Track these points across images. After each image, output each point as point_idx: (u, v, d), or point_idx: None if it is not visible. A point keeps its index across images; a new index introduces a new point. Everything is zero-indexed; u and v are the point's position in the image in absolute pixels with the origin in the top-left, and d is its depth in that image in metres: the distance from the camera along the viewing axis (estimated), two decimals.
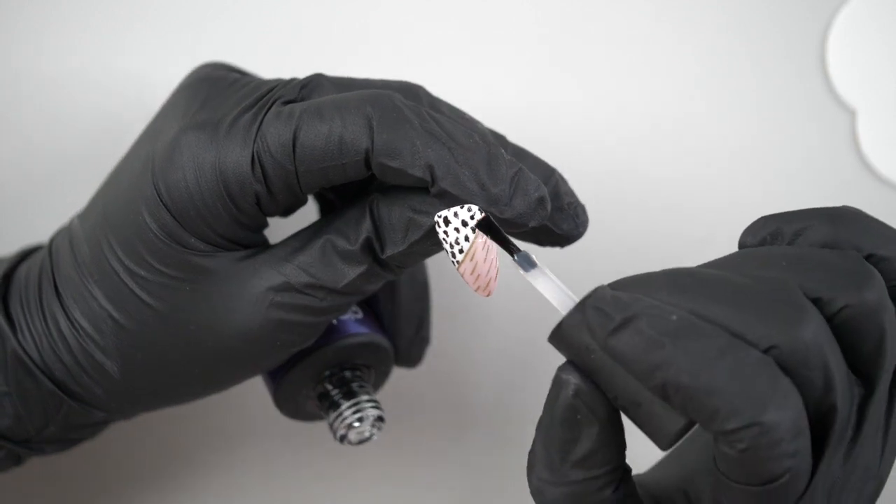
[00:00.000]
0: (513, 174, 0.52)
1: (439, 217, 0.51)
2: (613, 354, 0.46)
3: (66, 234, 0.58)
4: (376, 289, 0.56)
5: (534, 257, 0.50)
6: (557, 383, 0.48)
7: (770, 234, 0.50)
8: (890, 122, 0.73)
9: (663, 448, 0.47)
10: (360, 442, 0.61)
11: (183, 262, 0.54)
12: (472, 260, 0.51)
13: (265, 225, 0.56)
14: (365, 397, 0.60)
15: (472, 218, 0.51)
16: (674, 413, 0.46)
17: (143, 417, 0.70)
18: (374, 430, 0.61)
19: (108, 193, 0.57)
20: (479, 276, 0.51)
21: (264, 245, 0.56)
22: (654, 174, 0.73)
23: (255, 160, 0.53)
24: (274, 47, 0.68)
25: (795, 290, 0.46)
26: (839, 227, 0.49)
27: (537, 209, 0.53)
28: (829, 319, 0.47)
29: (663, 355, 0.44)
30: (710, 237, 0.73)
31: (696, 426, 0.47)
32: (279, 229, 0.58)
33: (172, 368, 0.56)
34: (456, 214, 0.51)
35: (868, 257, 0.49)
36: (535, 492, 0.49)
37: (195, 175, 0.53)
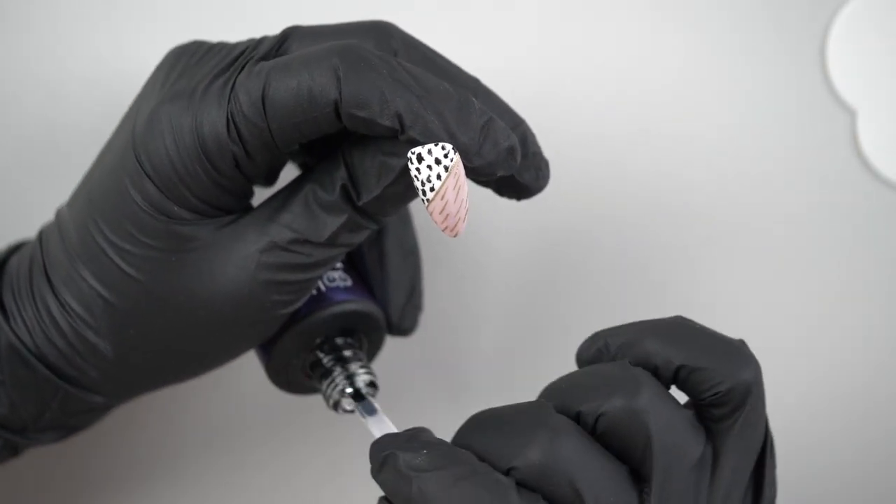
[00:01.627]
0: (483, 123, 0.53)
1: (412, 154, 0.51)
2: (383, 490, 0.50)
3: (54, 223, 0.58)
4: (360, 240, 0.56)
5: (376, 405, 0.58)
6: None
7: (598, 349, 0.52)
8: (890, 122, 0.73)
9: None
10: (353, 410, 0.61)
11: (168, 233, 0.55)
12: (442, 199, 0.51)
13: (250, 191, 0.56)
14: (357, 364, 0.60)
15: (445, 156, 0.51)
16: None
17: (141, 408, 0.71)
18: (368, 397, 0.61)
19: (92, 177, 0.57)
20: (447, 215, 0.52)
21: (249, 211, 0.56)
22: (653, 174, 0.73)
23: (230, 121, 0.53)
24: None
25: (546, 410, 0.50)
26: (661, 339, 0.51)
27: (507, 158, 0.53)
28: (592, 429, 0.49)
29: (412, 487, 0.49)
30: (710, 237, 0.73)
31: None
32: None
33: (166, 344, 0.57)
34: (430, 152, 0.51)
35: (680, 368, 0.50)
36: None
37: (174, 141, 0.54)
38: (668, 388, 0.51)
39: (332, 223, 0.55)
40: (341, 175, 0.55)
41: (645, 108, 0.72)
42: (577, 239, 0.72)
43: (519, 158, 0.53)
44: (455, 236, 0.52)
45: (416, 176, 0.51)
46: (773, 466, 0.53)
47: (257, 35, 0.57)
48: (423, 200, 0.51)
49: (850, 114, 0.73)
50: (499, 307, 0.73)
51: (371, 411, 0.57)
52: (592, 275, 0.73)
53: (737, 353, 0.51)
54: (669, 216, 0.73)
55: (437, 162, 0.51)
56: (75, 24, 0.70)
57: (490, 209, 0.70)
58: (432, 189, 0.51)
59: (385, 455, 0.50)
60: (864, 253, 0.74)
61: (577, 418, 0.49)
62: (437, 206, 0.51)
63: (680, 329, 0.51)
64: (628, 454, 0.49)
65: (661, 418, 0.49)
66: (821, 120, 0.73)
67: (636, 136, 0.72)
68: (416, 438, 0.51)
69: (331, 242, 0.55)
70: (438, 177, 0.51)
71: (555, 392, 0.51)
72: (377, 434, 0.56)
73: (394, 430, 0.55)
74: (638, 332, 0.51)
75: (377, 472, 0.50)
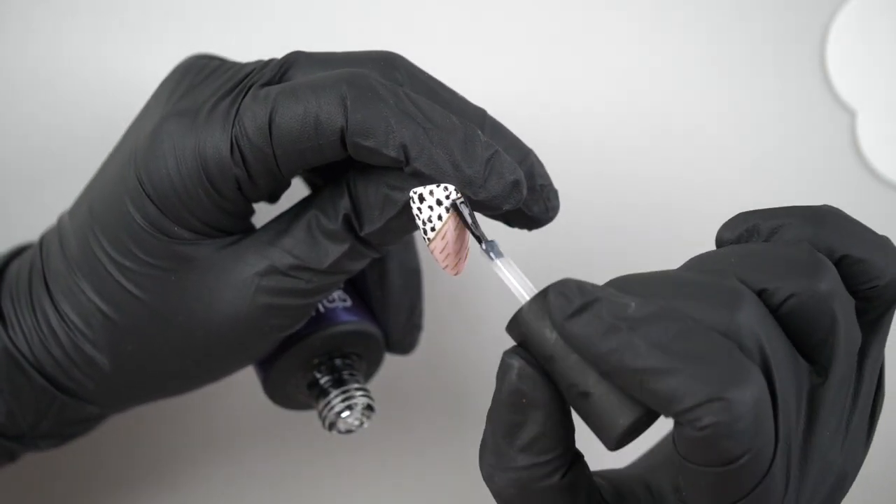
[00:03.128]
0: (488, 156, 0.52)
1: (414, 193, 0.51)
2: (570, 338, 0.45)
3: (55, 231, 0.58)
4: (361, 268, 0.56)
5: (500, 247, 0.50)
6: (503, 367, 0.47)
7: (747, 230, 0.50)
8: (890, 122, 0.73)
9: (611, 447, 0.46)
10: (349, 431, 0.61)
11: (168, 252, 0.55)
12: (443, 239, 0.51)
13: (251, 212, 0.56)
14: (355, 385, 0.60)
15: (447, 197, 0.51)
16: (626, 406, 0.45)
17: (137, 417, 0.71)
18: (364, 419, 0.61)
19: (94, 188, 0.57)
20: (448, 255, 0.51)
21: (250, 232, 0.56)
22: (653, 174, 0.73)
23: (234, 144, 0.53)
24: (269, 48, 0.68)
25: (731, 278, 0.47)
26: (817, 226, 0.49)
27: (512, 192, 0.53)
28: (776, 309, 0.47)
29: (620, 339, 0.44)
30: (710, 237, 0.73)
31: (644, 433, 0.47)
32: (268, 216, 0.58)
33: (163, 359, 0.57)
34: (431, 192, 0.51)
35: (843, 258, 0.48)
36: (486, 478, 0.49)
37: (176, 163, 0.54)
38: None
39: (333, 251, 0.55)
40: (345, 205, 0.54)
41: (645, 110, 0.72)
42: (577, 254, 0.72)
43: (525, 192, 0.53)
44: (456, 275, 0.52)
45: (417, 215, 0.51)
46: (884, 369, 0.51)
47: (261, 49, 0.57)
48: (424, 239, 0.51)
49: (850, 114, 0.73)
50: (499, 326, 0.72)
51: (499, 254, 0.50)
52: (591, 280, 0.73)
53: (891, 249, 0.49)
54: (669, 217, 0.73)
55: (439, 203, 0.51)
56: (80, 33, 0.69)
57: (490, 227, 0.70)
58: (433, 229, 0.51)
59: (588, 300, 0.45)
60: None
61: (759, 296, 0.46)
62: (437, 245, 0.51)
63: (835, 217, 0.49)
64: (806, 339, 0.47)
65: (845, 305, 0.47)
66: (821, 120, 0.72)
67: (636, 138, 0.72)
68: (608, 289, 0.46)
69: (331, 270, 0.55)
70: (440, 217, 0.51)
71: (722, 264, 0.47)
72: (510, 280, 0.50)
73: (527, 280, 0.49)
74: (792, 216, 0.49)
75: (568, 319, 0.45)
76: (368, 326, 0.61)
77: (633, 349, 0.44)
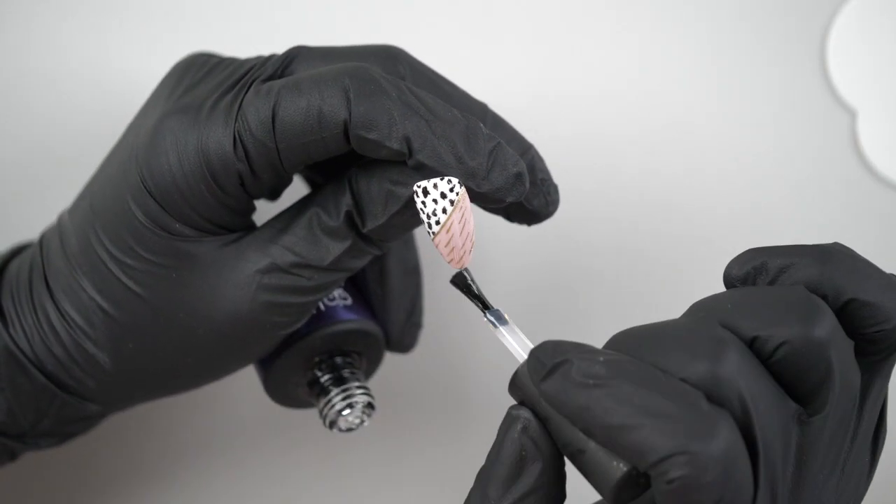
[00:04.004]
0: (491, 148, 0.52)
1: (418, 187, 0.51)
2: (546, 400, 0.46)
3: (55, 229, 0.58)
4: (362, 265, 0.56)
5: (505, 315, 0.52)
6: (508, 420, 0.48)
7: (755, 267, 0.50)
8: (890, 122, 0.73)
9: (609, 500, 0.46)
10: (350, 429, 0.61)
11: (169, 249, 0.55)
12: (447, 232, 0.51)
13: (252, 209, 0.56)
14: (355, 384, 0.60)
15: (451, 190, 0.51)
16: (616, 461, 0.46)
17: (138, 415, 0.71)
18: (364, 417, 0.61)
19: (95, 186, 0.57)
20: (453, 248, 0.52)
21: (252, 229, 0.56)
22: (653, 172, 0.73)
23: (237, 139, 0.53)
24: (270, 45, 0.68)
25: (716, 327, 0.46)
26: (825, 266, 0.49)
27: (515, 184, 0.53)
28: (769, 356, 0.47)
29: (588, 396, 0.45)
30: (710, 237, 0.73)
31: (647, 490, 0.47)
32: (269, 214, 0.58)
33: (164, 357, 0.57)
34: (435, 186, 0.51)
35: (851, 301, 0.48)
36: None
37: (178, 159, 0.54)
38: None
39: (335, 248, 0.55)
40: (346, 201, 0.54)
41: (645, 110, 0.72)
42: (578, 255, 0.72)
43: (527, 184, 0.53)
44: (460, 268, 0.52)
45: (421, 209, 0.51)
46: (886, 408, 0.51)
47: (262, 47, 0.57)
48: (428, 233, 0.51)
49: (850, 114, 0.73)
50: None
51: (502, 321, 0.52)
52: (592, 287, 0.73)
53: None
54: (669, 217, 0.73)
55: (443, 196, 0.51)
56: (80, 31, 0.69)
57: (490, 226, 0.70)
58: (438, 223, 0.51)
59: (558, 361, 0.46)
60: (864, 252, 0.73)
61: (752, 343, 0.47)
62: (442, 239, 0.51)
63: (844, 257, 0.49)
64: (800, 384, 0.47)
65: (842, 351, 0.47)
66: (821, 120, 0.72)
67: (636, 136, 0.72)
68: (583, 347, 0.47)
69: (333, 267, 0.55)
70: (444, 210, 0.51)
71: (721, 313, 0.47)
72: (511, 346, 0.51)
73: (528, 343, 0.51)
74: (801, 255, 0.49)
75: (543, 380, 0.46)
76: (369, 325, 0.61)
77: (601, 406, 0.45)
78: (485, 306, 0.52)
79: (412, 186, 0.52)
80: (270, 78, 0.54)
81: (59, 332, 0.57)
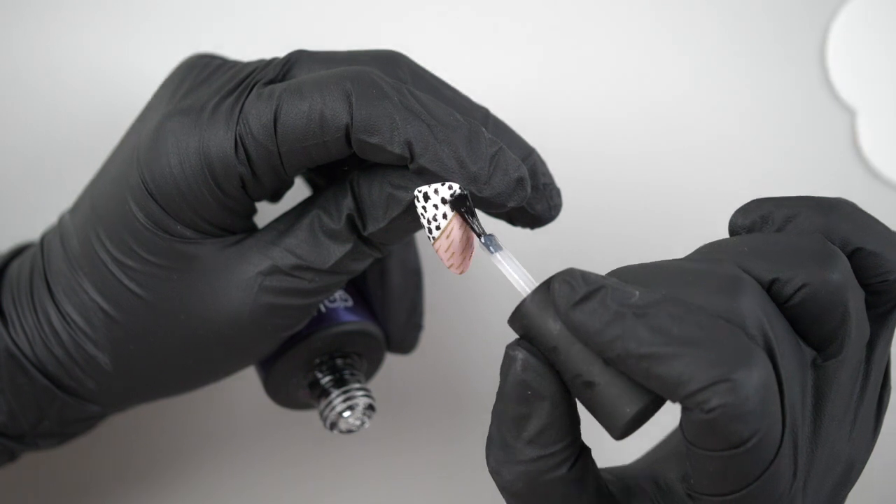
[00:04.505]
0: (493, 153, 0.52)
1: (419, 192, 0.51)
2: (576, 326, 0.46)
3: (56, 230, 0.58)
4: (363, 268, 0.56)
5: (499, 240, 0.51)
6: (506, 360, 0.48)
7: (761, 216, 0.50)
8: (890, 122, 0.73)
9: (616, 436, 0.46)
10: (350, 431, 0.61)
11: (170, 251, 0.55)
12: (448, 237, 0.51)
13: (253, 211, 0.56)
14: (356, 385, 0.60)
15: (451, 196, 0.51)
16: (632, 394, 0.45)
17: (138, 416, 0.71)
18: (365, 419, 0.61)
19: (96, 187, 0.57)
20: (453, 253, 0.51)
21: (252, 231, 0.56)
22: (653, 173, 0.73)
23: (238, 142, 0.53)
24: (272, 47, 0.68)
25: (731, 266, 0.47)
26: (830, 217, 0.49)
27: (516, 189, 0.53)
28: (788, 298, 0.47)
29: (626, 325, 0.45)
30: (709, 237, 0.73)
31: (648, 421, 0.47)
32: (270, 216, 0.58)
33: (164, 359, 0.57)
34: (436, 191, 0.51)
35: (857, 250, 0.49)
36: (493, 472, 0.49)
37: (179, 161, 0.54)
38: None
39: (336, 251, 0.55)
40: (348, 204, 0.54)
41: (645, 110, 0.72)
42: (578, 255, 0.72)
43: (529, 189, 0.53)
44: (461, 274, 0.52)
45: (422, 214, 0.51)
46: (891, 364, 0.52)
47: (263, 48, 0.57)
48: (429, 238, 0.51)
49: (850, 114, 0.73)
50: (500, 325, 0.72)
51: (497, 247, 0.51)
52: None
53: None
54: (669, 217, 0.73)
55: (444, 201, 0.51)
56: (81, 32, 0.69)
57: (491, 227, 0.70)
58: (438, 228, 0.51)
59: (593, 288, 0.46)
60: None
61: (771, 285, 0.47)
62: (442, 244, 0.51)
63: (850, 209, 0.50)
64: (817, 327, 0.47)
65: (857, 297, 0.48)
66: (821, 120, 0.72)
67: (636, 138, 0.72)
68: (612, 279, 0.46)
69: (334, 270, 0.55)
70: (444, 216, 0.51)
71: (737, 255, 0.48)
72: (510, 273, 0.50)
73: (528, 274, 0.50)
74: (807, 205, 0.49)
75: (574, 307, 0.46)
76: (370, 326, 0.61)
77: (639, 336, 0.45)
78: (477, 232, 0.51)
79: (413, 191, 0.52)
80: (272, 82, 0.54)
81: (60, 332, 0.57)
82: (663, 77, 0.72)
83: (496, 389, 0.49)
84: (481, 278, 0.72)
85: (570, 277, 0.46)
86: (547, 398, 0.47)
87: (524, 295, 0.48)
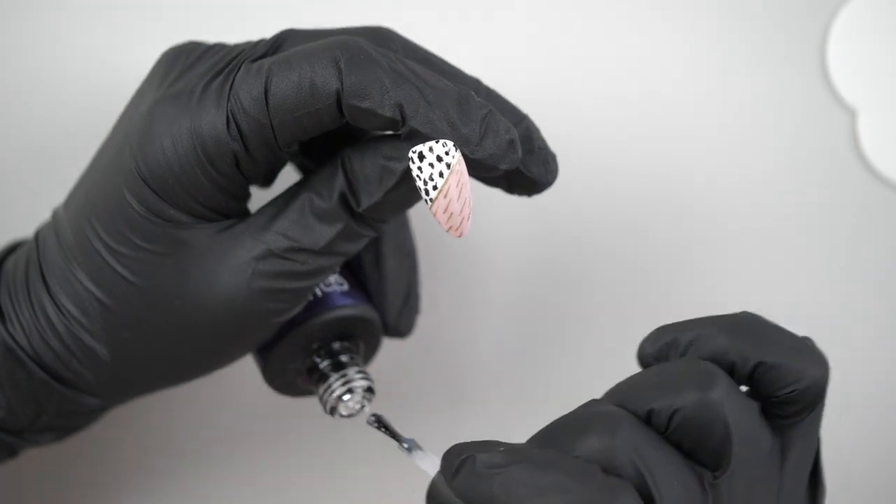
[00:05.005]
0: (483, 115, 0.53)
1: (413, 152, 0.51)
2: (458, 496, 0.49)
3: (50, 223, 0.58)
4: (358, 249, 0.56)
5: (416, 442, 0.57)
6: None
7: (667, 343, 0.51)
8: (890, 122, 0.73)
9: None
10: (351, 414, 0.61)
11: (164, 236, 0.55)
12: (445, 197, 0.51)
13: (247, 193, 0.56)
14: (354, 369, 0.60)
15: (446, 153, 0.51)
16: None
17: (138, 407, 0.71)
18: (365, 402, 0.61)
19: (88, 178, 0.57)
20: (451, 213, 0.51)
21: (246, 216, 0.56)
22: (652, 172, 0.73)
23: (230, 118, 0.53)
24: (260, 34, 0.68)
25: (605, 403, 0.49)
26: (732, 335, 0.50)
27: (508, 151, 0.53)
28: (666, 426, 0.48)
29: (490, 484, 0.48)
30: (709, 236, 0.73)
31: None
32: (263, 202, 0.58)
33: (162, 347, 0.56)
34: (431, 149, 0.51)
35: (758, 365, 0.50)
36: None
37: (172, 143, 0.54)
38: (741, 384, 0.50)
39: (328, 231, 0.55)
40: (339, 183, 0.54)
41: (645, 109, 0.72)
42: (576, 240, 0.72)
43: (520, 151, 0.53)
44: (460, 236, 0.52)
45: (418, 175, 0.51)
46: (822, 467, 0.53)
47: (254, 35, 0.57)
48: (426, 200, 0.51)
49: (850, 114, 0.73)
50: (496, 309, 0.73)
51: (413, 448, 0.57)
52: (591, 276, 0.73)
53: (809, 352, 0.50)
54: (669, 217, 0.73)
55: (439, 159, 0.51)
56: (73, 24, 0.70)
57: (487, 209, 0.70)
58: (435, 188, 0.51)
59: (462, 459, 0.49)
60: (863, 252, 0.74)
61: (649, 417, 0.49)
62: (440, 205, 0.51)
63: (751, 324, 0.50)
64: (701, 447, 0.49)
65: (737, 410, 0.48)
66: (821, 120, 0.73)
67: (636, 138, 0.73)
68: (487, 443, 0.50)
69: (327, 251, 0.55)
70: (441, 174, 0.51)
71: (618, 393, 0.50)
72: (425, 466, 0.56)
73: (438, 460, 0.54)
74: (709, 327, 0.50)
75: (452, 479, 0.49)
76: (366, 310, 0.61)
77: (503, 491, 0.47)
78: (398, 438, 0.57)
79: (405, 159, 0.52)
80: (260, 59, 0.54)
81: (56, 325, 0.57)
82: (663, 77, 0.72)
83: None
84: (477, 260, 0.72)
85: (448, 455, 0.50)
86: None
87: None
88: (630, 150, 0.73)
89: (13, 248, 0.61)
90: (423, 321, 0.64)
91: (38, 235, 0.58)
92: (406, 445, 0.57)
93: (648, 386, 0.49)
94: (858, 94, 0.73)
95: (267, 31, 0.58)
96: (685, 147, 0.73)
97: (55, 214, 0.58)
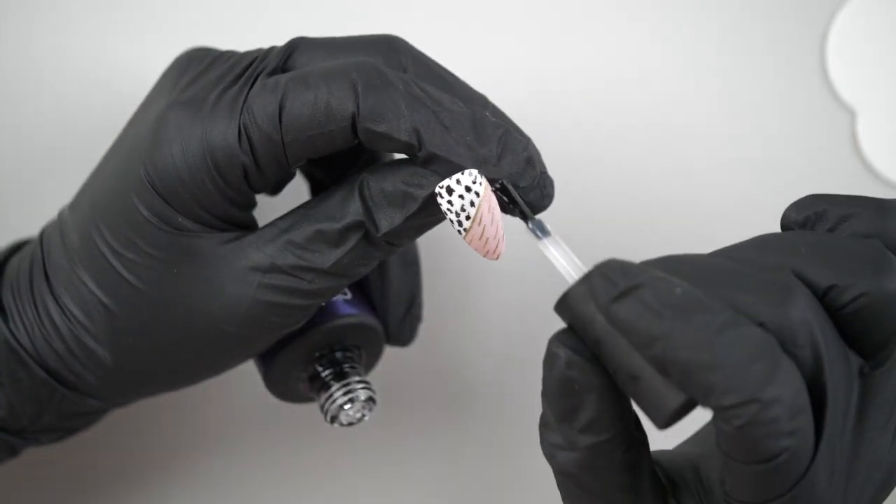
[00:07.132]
0: (499, 135, 0.53)
1: (440, 188, 0.51)
2: (614, 322, 0.45)
3: (56, 224, 0.58)
4: (367, 270, 0.56)
5: (547, 225, 0.51)
6: (549, 357, 0.47)
7: (815, 213, 0.50)
8: (890, 122, 0.73)
9: (660, 426, 0.46)
10: (351, 424, 0.61)
11: (171, 244, 0.55)
12: (479, 224, 0.51)
13: (254, 203, 0.56)
14: (356, 378, 0.60)
15: (474, 182, 0.51)
16: (674, 389, 0.45)
17: (139, 410, 0.71)
18: (366, 412, 0.61)
19: (96, 180, 0.57)
20: (487, 239, 0.51)
21: (253, 226, 0.56)
22: (652, 172, 0.73)
23: (242, 132, 0.53)
24: (269, 39, 0.68)
25: (787, 272, 0.46)
26: (887, 218, 0.49)
27: (526, 168, 0.53)
28: (843, 306, 0.47)
29: (663, 326, 0.44)
30: (710, 236, 0.73)
31: (693, 410, 0.47)
32: (271, 212, 0.58)
33: (164, 352, 0.56)
34: (458, 182, 0.51)
35: None
36: (548, 456, 0.49)
37: (182, 151, 0.54)
38: None
39: (337, 252, 0.54)
40: (355, 207, 0.54)
41: (645, 109, 0.72)
42: (577, 245, 0.72)
43: (538, 167, 0.53)
44: (497, 258, 0.52)
45: (448, 209, 0.51)
46: None
47: (260, 35, 0.57)
48: (459, 231, 0.51)
49: (850, 114, 0.73)
50: (498, 317, 0.73)
51: (546, 232, 0.51)
52: None
53: None
54: (670, 217, 0.73)
55: (468, 189, 0.51)
56: (81, 26, 0.69)
57: None
58: (468, 217, 0.51)
59: (632, 284, 0.45)
60: None
61: (827, 291, 0.46)
62: (476, 232, 0.51)
63: None
64: (868, 336, 0.47)
65: None
66: (821, 120, 0.72)
67: (636, 136, 0.72)
68: (654, 272, 0.45)
69: (335, 272, 0.55)
70: (472, 203, 0.51)
71: (790, 254, 0.47)
72: (555, 259, 0.50)
73: (576, 259, 0.49)
74: (863, 207, 0.49)
75: (613, 301, 0.45)
76: (369, 319, 0.61)
77: (676, 340, 0.44)
78: (525, 216, 0.51)
79: (427, 185, 0.52)
80: (274, 71, 0.54)
81: (60, 326, 0.57)
82: (662, 77, 0.72)
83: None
84: (479, 271, 0.72)
85: (608, 271, 0.46)
86: (594, 391, 0.47)
87: (571, 283, 0.47)
88: (630, 150, 0.72)
89: (18, 248, 0.61)
90: (424, 327, 0.64)
91: (43, 235, 0.58)
92: (531, 226, 0.51)
93: (830, 259, 0.47)
94: (857, 94, 0.73)
95: (272, 29, 0.58)
96: (685, 147, 0.73)
97: (61, 215, 0.58)
